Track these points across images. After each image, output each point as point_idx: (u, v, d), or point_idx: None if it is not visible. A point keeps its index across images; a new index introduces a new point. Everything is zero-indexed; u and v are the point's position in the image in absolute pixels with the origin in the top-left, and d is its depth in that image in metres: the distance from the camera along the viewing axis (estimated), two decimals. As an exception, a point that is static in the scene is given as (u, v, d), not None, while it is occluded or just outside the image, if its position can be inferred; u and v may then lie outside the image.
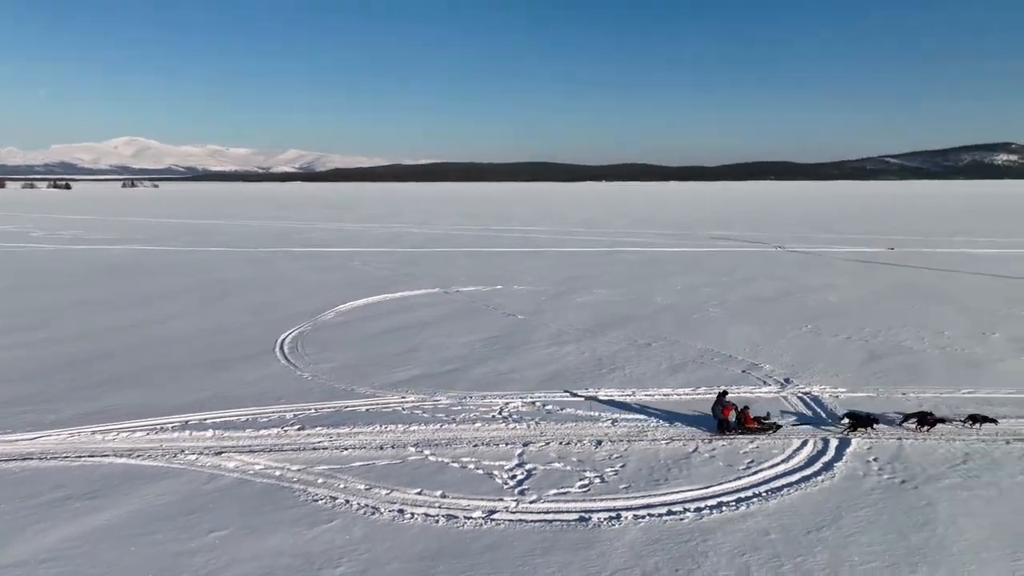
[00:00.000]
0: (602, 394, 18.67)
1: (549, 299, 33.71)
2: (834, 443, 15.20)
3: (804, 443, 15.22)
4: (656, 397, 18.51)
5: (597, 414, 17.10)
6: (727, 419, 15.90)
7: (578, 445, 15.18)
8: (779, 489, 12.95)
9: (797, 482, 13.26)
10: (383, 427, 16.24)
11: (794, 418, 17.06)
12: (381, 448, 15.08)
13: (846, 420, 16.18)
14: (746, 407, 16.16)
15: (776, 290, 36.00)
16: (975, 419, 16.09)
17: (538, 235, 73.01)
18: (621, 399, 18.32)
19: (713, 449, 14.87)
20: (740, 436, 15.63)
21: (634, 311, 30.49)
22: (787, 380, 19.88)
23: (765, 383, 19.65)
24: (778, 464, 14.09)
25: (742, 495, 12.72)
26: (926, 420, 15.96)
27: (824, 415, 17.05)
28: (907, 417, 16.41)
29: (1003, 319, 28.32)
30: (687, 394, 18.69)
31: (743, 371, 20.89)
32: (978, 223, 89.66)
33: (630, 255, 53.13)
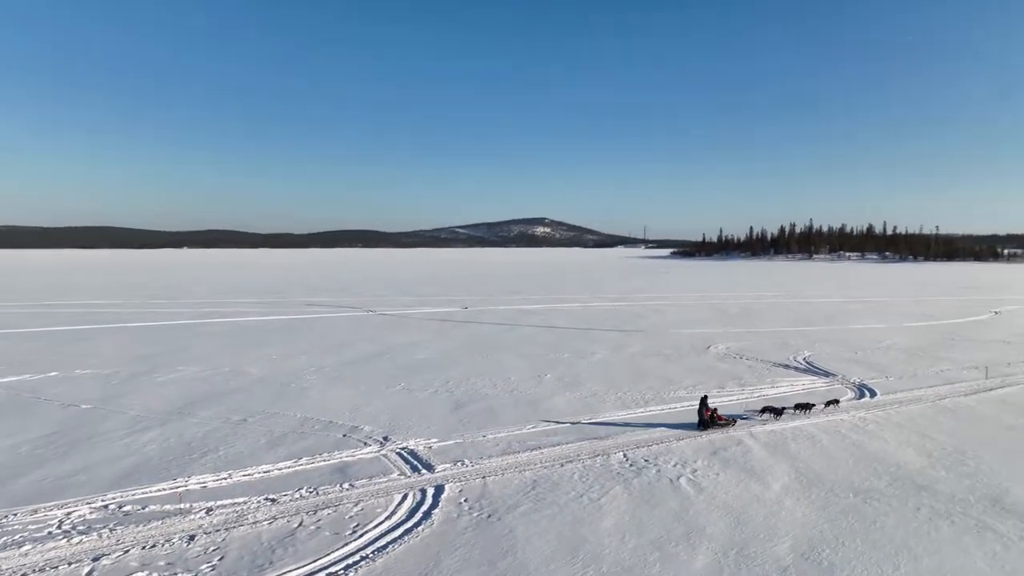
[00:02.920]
0: (193, 482, 16.77)
1: (123, 382, 29.30)
2: (431, 491, 16.27)
3: (405, 497, 15.94)
4: (256, 476, 17.37)
5: (188, 506, 15.27)
6: (707, 418, 21.69)
7: (166, 545, 13.28)
8: (385, 547, 13.26)
9: (401, 536, 13.76)
10: None
11: (743, 415, 23.40)
12: None
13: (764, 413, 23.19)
14: (715, 409, 22.27)
15: (370, 352, 37.46)
16: (829, 403, 24.29)
17: (106, 309, 63.20)
18: (216, 484, 16.72)
19: (319, 520, 14.53)
20: (713, 431, 21.40)
21: (226, 386, 28.41)
22: (386, 438, 20.65)
23: (366, 444, 20.07)
24: (382, 522, 14.44)
25: (351, 561, 12.67)
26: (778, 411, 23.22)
27: (421, 467, 18.13)
28: (763, 409, 23.56)
29: (551, 362, 34.20)
30: (289, 467, 17.98)
31: (344, 435, 21.03)
32: (528, 283, 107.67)
33: (218, 326, 49.62)
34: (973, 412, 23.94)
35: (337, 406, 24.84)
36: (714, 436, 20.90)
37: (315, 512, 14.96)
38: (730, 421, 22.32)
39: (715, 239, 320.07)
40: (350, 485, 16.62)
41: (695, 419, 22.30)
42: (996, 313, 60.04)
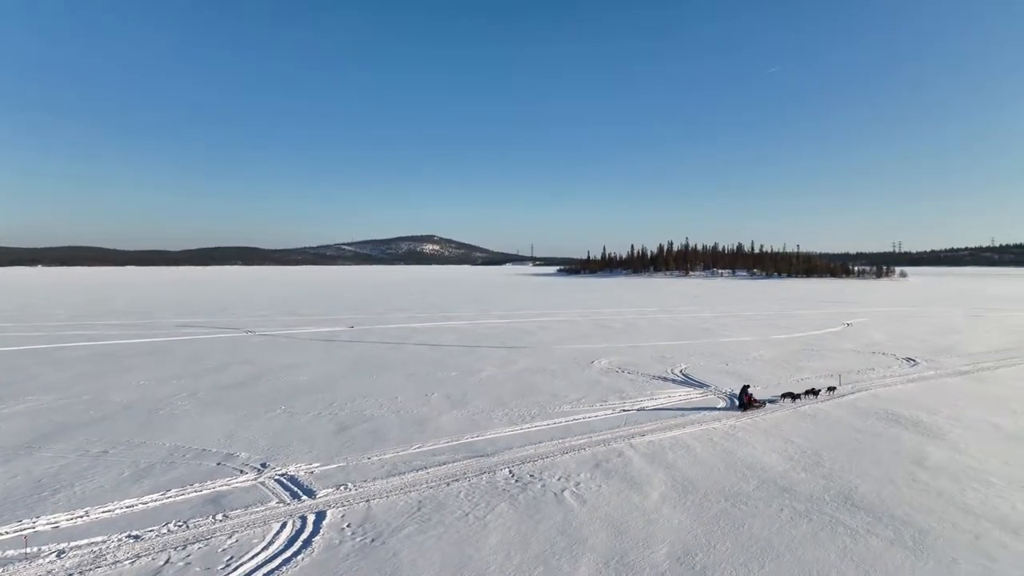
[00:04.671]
0: (43, 523, 15.28)
1: (-41, 415, 26.36)
2: (312, 518, 15.70)
3: (283, 525, 15.28)
4: (117, 512, 16.06)
5: (35, 550, 13.89)
6: (746, 402, 27.15)
7: (8, 596, 12.04)
8: (261, 580, 12.65)
9: (279, 566, 13.18)
10: None
11: (771, 399, 28.87)
12: None
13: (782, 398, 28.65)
14: (752, 395, 27.68)
15: (248, 374, 35.77)
16: (830, 388, 30.41)
17: (-59, 334, 56.83)
18: (70, 524, 15.31)
19: (188, 556, 13.64)
20: (750, 412, 26.67)
21: (85, 416, 26.18)
22: (264, 465, 19.74)
23: (242, 472, 19.09)
24: (259, 554, 13.76)
25: (223, 598, 11.98)
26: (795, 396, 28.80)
27: (302, 494, 17.45)
28: (783, 395, 28.95)
29: (438, 381, 33.99)
30: (156, 501, 16.77)
31: (218, 463, 19.90)
32: (416, 300, 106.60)
33: (77, 351, 45.76)
34: (829, 417, 25.96)
35: (211, 433, 23.49)
36: (595, 449, 21.47)
37: (184, 547, 14.03)
38: (762, 404, 27.65)
39: (599, 256, 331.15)
40: (224, 516, 15.73)
41: (578, 433, 22.98)
42: (848, 325, 65.57)
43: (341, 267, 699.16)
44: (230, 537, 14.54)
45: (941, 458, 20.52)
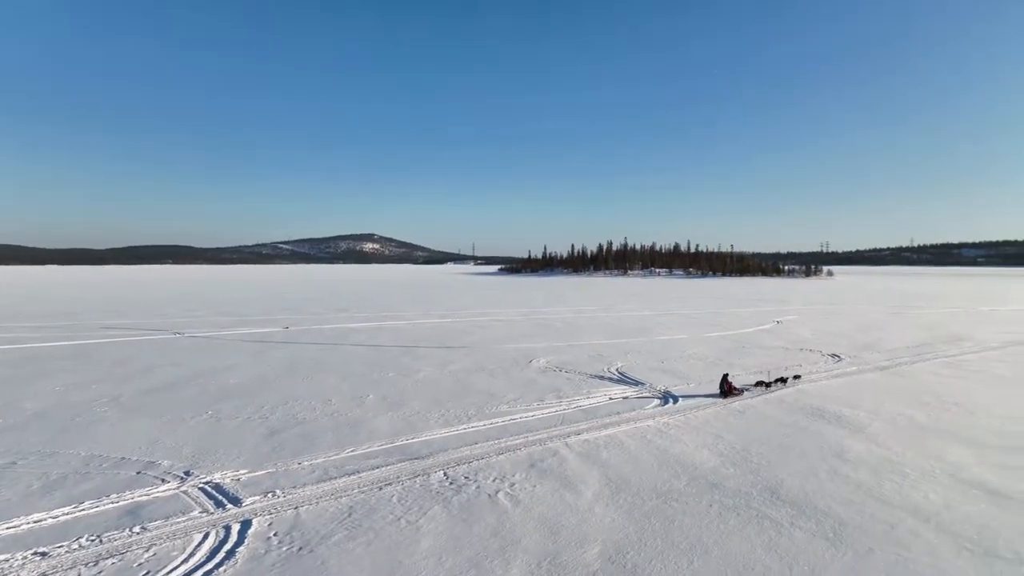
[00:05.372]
0: (-60, 542, 14.29)
1: None
2: (236, 527, 15.14)
3: (206, 536, 14.69)
4: (23, 528, 15.11)
5: (-69, 571, 12.96)
6: (727, 390, 29.67)
7: None
8: (179, 595, 12.10)
9: (199, 581, 12.66)
10: None
11: (753, 387, 31.35)
12: None
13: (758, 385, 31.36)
14: (731, 383, 30.38)
15: (176, 378, 34.41)
16: (781, 380, 32.14)
17: None
18: (-29, 541, 14.37)
19: (100, 572, 12.94)
20: (732, 399, 29.05)
21: (-7, 424, 24.68)
22: (187, 473, 18.97)
23: (163, 481, 18.28)
24: (178, 567, 13.17)
25: (136, 615, 11.40)
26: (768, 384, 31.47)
27: (227, 502, 16.83)
28: (756, 383, 31.62)
29: (374, 382, 33.45)
30: (67, 514, 15.86)
31: (138, 472, 19.01)
32: (354, 300, 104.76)
33: (-11, 355, 43.15)
34: (757, 412, 26.69)
35: (132, 441, 22.44)
36: (531, 449, 21.46)
37: (96, 563, 13.31)
38: (740, 392, 30.24)
39: (540, 256, 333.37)
40: (142, 528, 15.00)
41: (514, 433, 23.01)
42: (778, 323, 67.79)
43: (278, 266, 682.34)
44: (147, 550, 13.87)
45: (861, 451, 21.33)
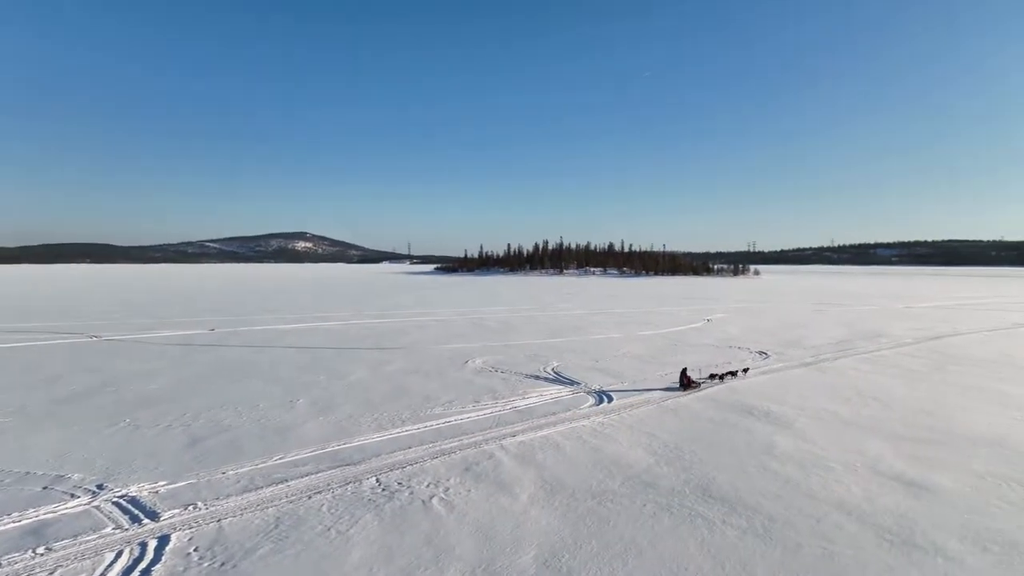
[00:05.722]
0: None
1: None
2: (153, 544, 14.27)
3: (119, 554, 13.77)
4: (-89, 552, 13.87)
5: None
6: (686, 383, 31.51)
7: None
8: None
9: (109, 604, 11.83)
10: None
11: (707, 379, 33.25)
12: None
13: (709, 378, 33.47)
14: (690, 377, 32.32)
15: (90, 385, 32.51)
16: (731, 373, 34.53)
17: None
18: None
19: None
20: (690, 391, 30.93)
21: None
22: (100, 487, 17.82)
23: (73, 496, 17.11)
24: (86, 590, 12.30)
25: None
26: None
27: (144, 517, 15.87)
28: (710, 376, 33.71)
29: (306, 386, 32.47)
30: (-38, 535, 14.65)
31: (44, 487, 17.75)
32: (285, 300, 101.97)
33: None
34: (689, 410, 27.14)
35: (38, 454, 20.97)
36: (466, 452, 21.15)
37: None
38: (698, 384, 32.10)
39: (476, 255, 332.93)
40: (46, 549, 13.95)
41: (449, 436, 22.70)
42: (708, 321, 69.55)
43: (205, 265, 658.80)
44: (51, 574, 12.90)
45: (788, 447, 21.92)
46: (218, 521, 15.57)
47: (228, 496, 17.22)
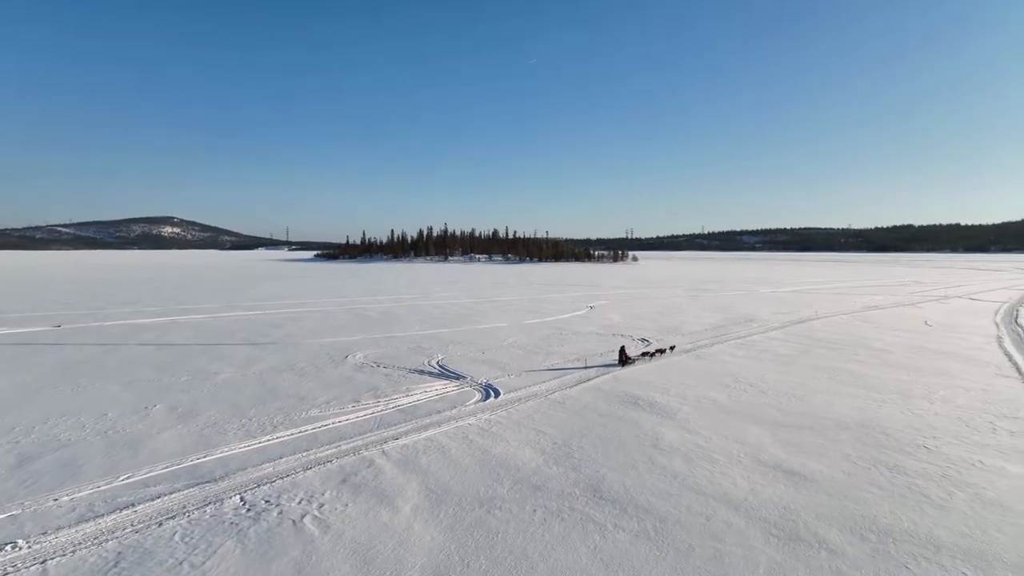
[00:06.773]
0: None
1: None
2: (-45, 599, 11.86)
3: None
4: None
5: None
6: (624, 359, 35.00)
7: None
8: None
9: None
10: None
11: (640, 356, 36.62)
12: None
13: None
14: (627, 354, 36.17)
15: None
16: (659, 351, 38.26)
17: None
18: None
19: None
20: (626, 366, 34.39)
21: None
22: None
23: None
24: None
25: None
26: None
27: (-55, 562, 13.25)
28: (642, 353, 36.99)
29: (164, 389, 29.41)
30: None
31: None
32: (146, 291, 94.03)
33: None
34: (577, 403, 26.79)
35: None
36: (344, 460, 19.57)
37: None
38: (634, 360, 35.64)
39: (359, 241, 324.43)
40: None
41: (325, 442, 21.01)
42: (591, 308, 70.57)
43: (55, 252, 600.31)
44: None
45: (674, 438, 21.92)
46: (43, 563, 13.24)
47: (59, 529, 14.80)
